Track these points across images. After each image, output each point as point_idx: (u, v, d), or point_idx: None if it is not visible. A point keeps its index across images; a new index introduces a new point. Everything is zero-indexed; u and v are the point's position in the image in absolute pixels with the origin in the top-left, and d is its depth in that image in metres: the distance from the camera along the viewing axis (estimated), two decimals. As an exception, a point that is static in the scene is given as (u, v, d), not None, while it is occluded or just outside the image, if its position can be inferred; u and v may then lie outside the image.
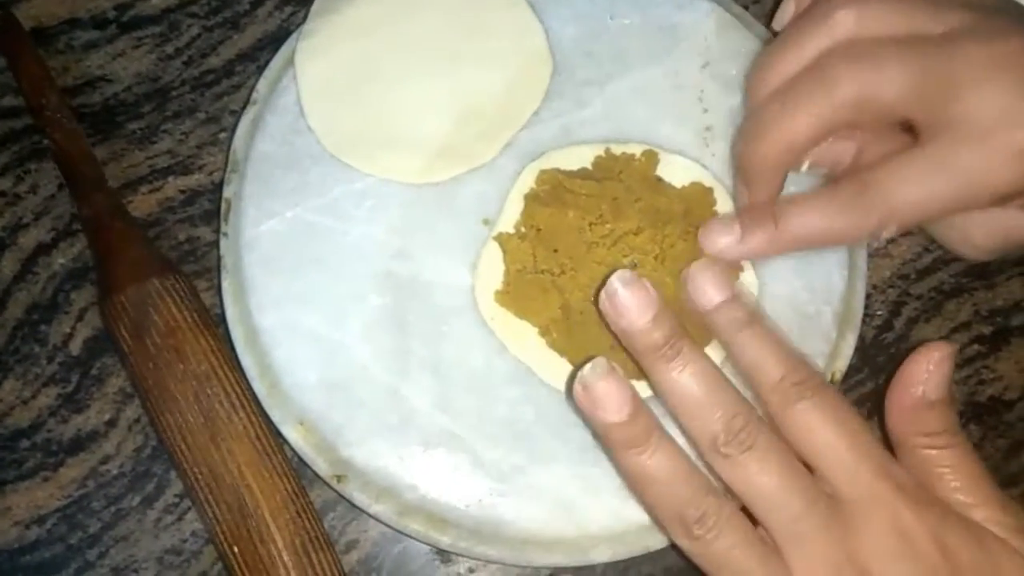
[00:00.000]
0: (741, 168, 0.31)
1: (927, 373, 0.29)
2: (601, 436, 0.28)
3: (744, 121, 0.31)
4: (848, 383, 0.37)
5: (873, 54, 0.28)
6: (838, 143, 0.31)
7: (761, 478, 0.26)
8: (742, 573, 0.26)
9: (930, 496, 0.27)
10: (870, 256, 0.37)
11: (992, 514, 0.27)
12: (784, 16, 0.32)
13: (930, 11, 0.29)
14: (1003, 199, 0.29)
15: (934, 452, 0.28)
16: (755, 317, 0.28)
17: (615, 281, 0.27)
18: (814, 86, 0.29)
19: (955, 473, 0.27)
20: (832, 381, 0.34)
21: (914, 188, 0.28)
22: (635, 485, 0.28)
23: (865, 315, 0.35)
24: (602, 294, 0.28)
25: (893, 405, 0.29)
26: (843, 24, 0.29)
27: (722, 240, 0.30)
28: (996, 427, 0.38)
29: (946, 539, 0.26)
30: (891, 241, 0.39)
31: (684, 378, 0.27)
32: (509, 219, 0.32)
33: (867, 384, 0.37)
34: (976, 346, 0.38)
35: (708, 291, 0.28)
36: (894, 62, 0.28)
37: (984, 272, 0.39)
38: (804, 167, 0.31)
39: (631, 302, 0.27)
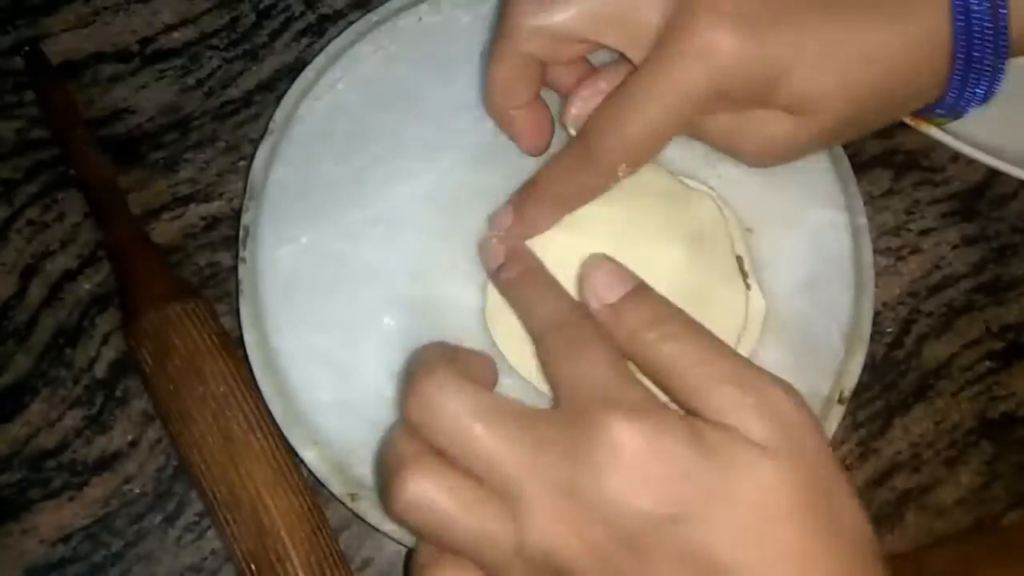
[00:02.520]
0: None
1: (588, 288, 0.28)
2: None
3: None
4: (859, 400, 0.37)
5: None
6: (588, 101, 0.31)
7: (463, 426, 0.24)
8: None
9: (659, 409, 0.24)
10: (879, 274, 0.38)
11: (721, 402, 0.24)
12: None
13: None
14: (702, 106, 0.28)
15: (643, 349, 0.26)
16: (536, 271, 0.30)
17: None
18: (497, 35, 0.30)
19: (681, 364, 0.25)
20: (840, 399, 0.34)
21: (625, 127, 0.29)
22: None
23: (875, 332, 0.36)
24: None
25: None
26: None
27: (503, 221, 0.32)
28: (1009, 444, 0.38)
29: (668, 450, 0.23)
30: (900, 259, 0.39)
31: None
32: None
33: (877, 402, 0.37)
34: (988, 362, 0.38)
35: (495, 250, 0.31)
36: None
37: (995, 288, 0.39)
38: (571, 129, 0.32)
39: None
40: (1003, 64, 0.29)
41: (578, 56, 0.31)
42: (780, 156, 0.31)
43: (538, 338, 0.28)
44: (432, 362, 0.25)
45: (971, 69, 0.28)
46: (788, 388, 0.25)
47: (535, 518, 0.23)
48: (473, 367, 0.27)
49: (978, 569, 0.36)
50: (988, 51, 0.28)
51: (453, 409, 0.24)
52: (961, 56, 0.28)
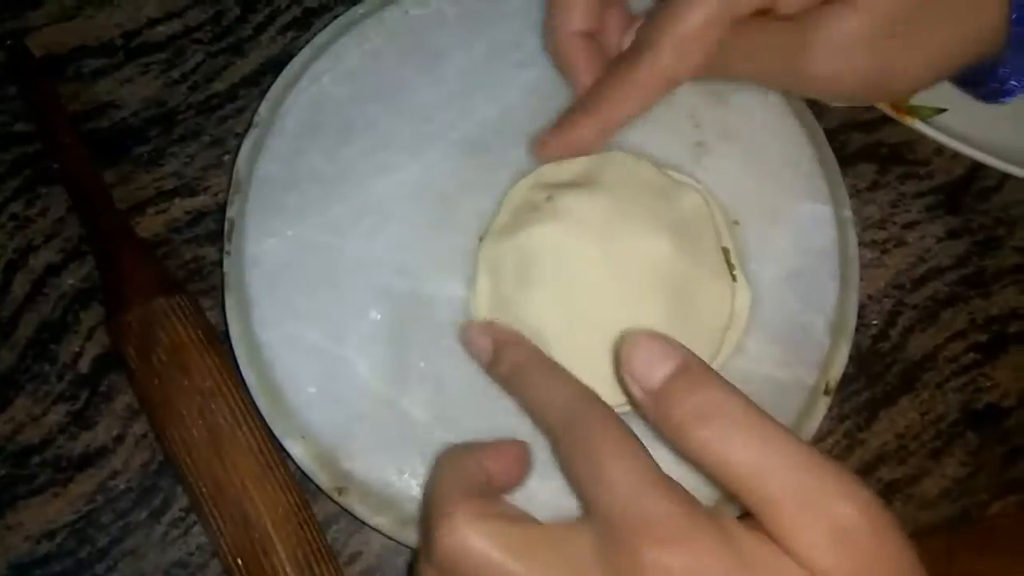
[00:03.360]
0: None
1: (628, 375, 0.24)
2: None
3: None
4: (844, 392, 0.37)
5: None
6: None
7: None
8: None
9: (694, 528, 0.21)
10: (865, 267, 0.38)
11: (783, 519, 0.21)
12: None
13: None
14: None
15: (690, 446, 0.22)
16: (531, 358, 0.28)
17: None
18: None
19: (728, 465, 0.22)
20: (826, 391, 0.34)
21: (684, 22, 0.29)
22: None
23: (861, 325, 0.36)
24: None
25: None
26: None
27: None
28: (993, 435, 0.38)
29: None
30: (885, 251, 0.40)
31: None
32: (498, 231, 0.33)
33: (863, 393, 0.38)
34: (972, 354, 0.39)
35: (479, 343, 0.30)
36: None
37: (979, 280, 0.40)
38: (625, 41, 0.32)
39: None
40: None
41: None
42: (839, 76, 0.29)
43: (552, 438, 0.25)
44: (448, 504, 0.23)
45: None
46: (864, 502, 0.21)
47: None
48: (499, 474, 0.26)
49: (961, 559, 0.36)
50: None
51: (480, 556, 0.22)
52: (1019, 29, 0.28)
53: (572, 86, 0.34)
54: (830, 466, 0.21)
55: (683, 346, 0.24)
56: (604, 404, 0.25)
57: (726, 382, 0.23)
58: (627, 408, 0.31)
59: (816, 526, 0.20)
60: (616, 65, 0.32)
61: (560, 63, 0.34)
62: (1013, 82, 0.31)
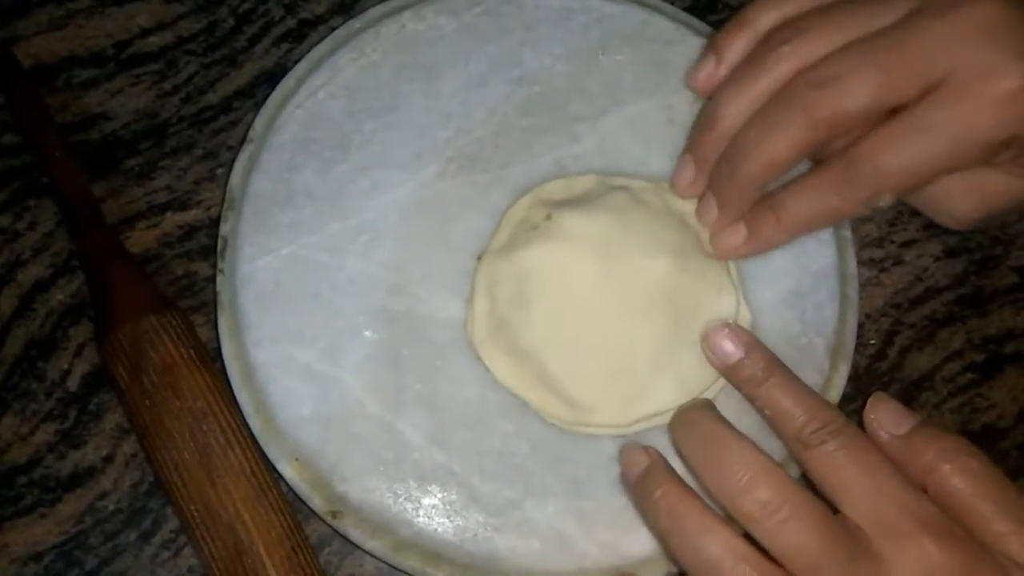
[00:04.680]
0: (723, 189, 0.32)
1: (876, 421, 0.29)
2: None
3: (698, 147, 0.32)
4: (843, 412, 0.37)
5: (831, 74, 0.29)
6: None
7: (794, 530, 0.26)
8: None
9: (959, 532, 0.26)
10: (862, 286, 0.37)
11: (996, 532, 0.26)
12: (700, 74, 0.33)
13: (870, 9, 0.30)
14: (989, 150, 0.29)
15: (940, 479, 0.27)
16: (773, 367, 0.29)
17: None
18: (787, 112, 0.29)
19: (978, 499, 0.26)
20: (825, 412, 0.34)
21: (901, 153, 0.29)
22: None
23: (858, 344, 0.36)
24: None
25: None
26: (787, 61, 0.30)
27: (732, 241, 0.32)
28: (990, 456, 0.37)
29: (971, 571, 0.25)
30: (883, 270, 0.39)
31: None
32: (496, 250, 0.33)
33: (860, 413, 0.37)
34: (969, 374, 0.39)
35: (726, 348, 0.30)
36: (852, 75, 0.28)
37: (977, 300, 0.40)
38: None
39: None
40: None
41: None
42: (991, 214, 0.32)
43: (805, 443, 0.27)
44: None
45: None
46: None
47: None
48: None
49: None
50: None
51: (792, 521, 0.26)
52: None
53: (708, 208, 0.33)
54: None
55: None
56: (848, 422, 0.28)
57: (962, 438, 0.29)
58: (639, 428, 0.31)
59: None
60: (820, 178, 0.31)
61: (725, 199, 0.32)
62: None
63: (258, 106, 0.36)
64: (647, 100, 0.36)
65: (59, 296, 0.35)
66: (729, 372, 0.30)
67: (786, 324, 0.34)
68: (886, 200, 0.30)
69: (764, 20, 0.31)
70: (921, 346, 0.39)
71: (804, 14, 0.31)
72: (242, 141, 0.35)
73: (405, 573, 0.31)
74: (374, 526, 0.30)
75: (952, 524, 0.26)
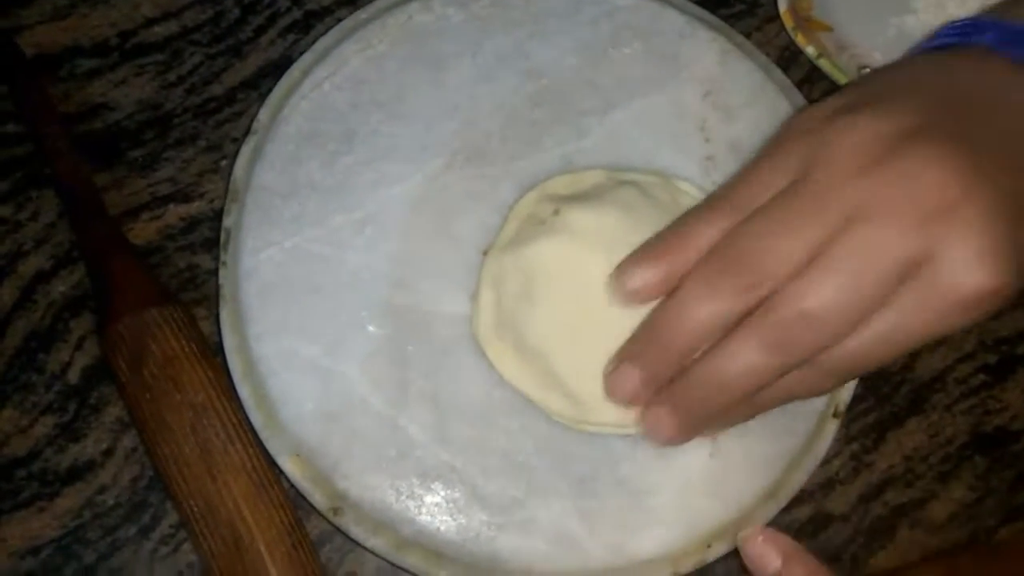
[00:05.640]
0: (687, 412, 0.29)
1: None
2: None
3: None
4: (852, 413, 0.36)
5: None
6: None
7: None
8: None
9: None
10: (874, 285, 0.37)
11: None
12: (637, 281, 0.29)
13: (806, 214, 0.27)
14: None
15: None
16: (816, 572, 0.29)
17: None
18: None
19: None
20: (835, 414, 0.33)
21: (870, 357, 0.27)
22: None
23: (869, 345, 0.35)
24: None
25: None
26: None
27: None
28: (1002, 458, 0.37)
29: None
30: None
31: None
32: (503, 245, 0.32)
33: (871, 415, 0.37)
34: (982, 376, 0.38)
35: (768, 555, 0.30)
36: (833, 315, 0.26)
37: (989, 301, 0.39)
38: None
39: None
40: None
41: None
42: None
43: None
44: None
45: None
46: None
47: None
48: None
49: (968, 585, 0.35)
50: None
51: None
52: None
53: None
54: None
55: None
56: None
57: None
58: (633, 430, 0.30)
59: None
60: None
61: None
62: None
63: (263, 97, 0.35)
64: (657, 94, 0.35)
65: (60, 288, 0.35)
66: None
67: (796, 323, 0.33)
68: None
69: (704, 240, 0.28)
70: (933, 347, 0.38)
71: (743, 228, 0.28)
72: (246, 133, 0.35)
73: (406, 571, 0.31)
74: (375, 524, 0.30)
75: None
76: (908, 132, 0.26)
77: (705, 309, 0.27)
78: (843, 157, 0.26)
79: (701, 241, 0.28)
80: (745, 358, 0.27)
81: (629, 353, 0.29)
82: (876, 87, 0.29)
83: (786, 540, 0.30)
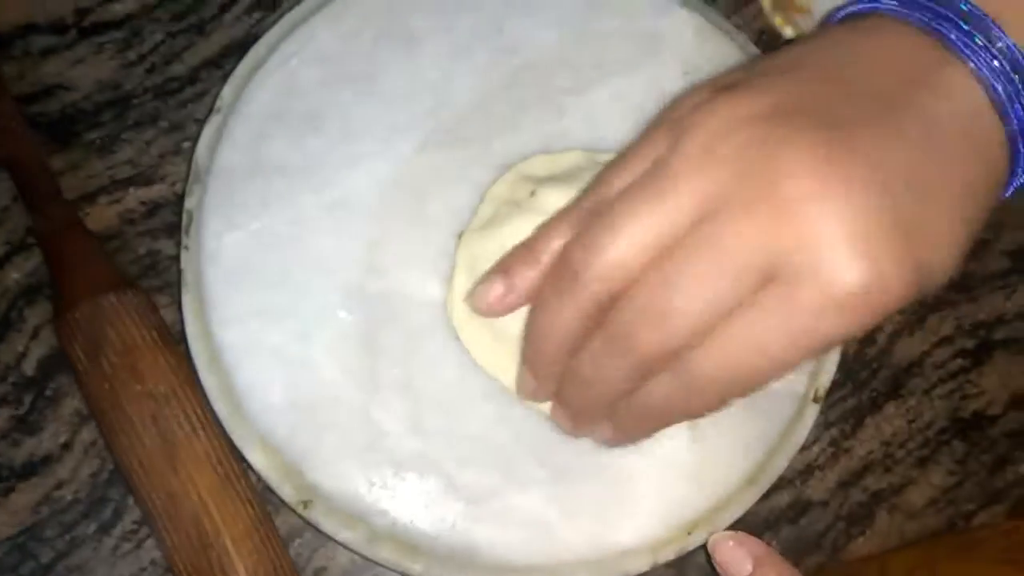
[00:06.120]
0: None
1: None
2: None
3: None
4: (831, 399, 0.36)
5: (658, 307, 0.25)
6: None
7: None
8: None
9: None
10: (852, 269, 0.37)
11: None
12: (489, 296, 0.29)
13: (652, 200, 0.25)
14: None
15: None
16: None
17: None
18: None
19: None
20: (815, 398, 0.33)
21: (739, 368, 0.24)
22: None
23: (848, 330, 0.35)
24: None
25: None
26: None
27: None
28: (980, 443, 0.37)
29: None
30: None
31: None
32: (478, 227, 0.31)
33: (849, 400, 0.37)
34: (959, 360, 0.38)
35: (739, 560, 0.30)
36: (681, 309, 0.25)
37: (966, 285, 0.39)
38: None
39: None
40: None
41: None
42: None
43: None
44: None
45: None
46: None
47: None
48: None
49: (942, 568, 0.35)
50: None
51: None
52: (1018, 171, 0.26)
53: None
54: None
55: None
56: None
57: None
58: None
59: None
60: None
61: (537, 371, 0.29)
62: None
63: (227, 77, 0.34)
64: (635, 74, 0.34)
65: (14, 275, 0.34)
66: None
67: (777, 307, 0.33)
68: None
69: (555, 244, 0.27)
70: (911, 332, 0.38)
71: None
72: (210, 112, 0.33)
73: (380, 566, 0.30)
74: (347, 517, 0.29)
75: None
76: (767, 114, 0.23)
77: (555, 318, 0.26)
78: (697, 144, 0.24)
79: (553, 245, 0.27)
80: (595, 359, 0.25)
81: (524, 359, 0.29)
82: (760, 66, 0.26)
83: (757, 543, 0.30)
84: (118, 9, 0.37)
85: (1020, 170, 0.26)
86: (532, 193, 0.31)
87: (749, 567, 0.29)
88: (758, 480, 0.32)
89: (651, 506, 0.30)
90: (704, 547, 0.31)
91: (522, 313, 0.30)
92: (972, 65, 0.24)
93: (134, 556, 0.31)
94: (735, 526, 0.31)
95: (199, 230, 0.31)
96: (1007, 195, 0.27)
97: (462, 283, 0.31)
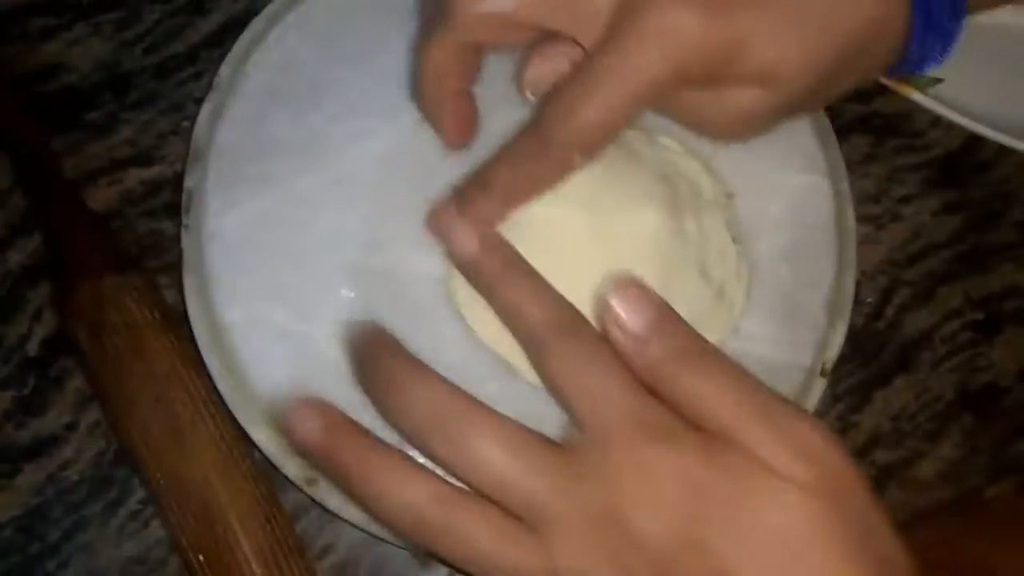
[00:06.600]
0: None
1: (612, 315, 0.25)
2: None
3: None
4: (838, 373, 0.36)
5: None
6: (547, 62, 0.29)
7: (484, 457, 0.23)
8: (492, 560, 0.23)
9: (683, 430, 0.23)
10: (859, 242, 0.36)
11: (750, 439, 0.23)
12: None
13: None
14: (671, 88, 0.27)
15: (668, 383, 0.24)
16: (517, 262, 0.27)
17: None
18: (437, 22, 0.27)
19: (707, 407, 0.24)
20: (823, 372, 0.32)
21: (584, 112, 0.26)
22: None
23: (855, 302, 0.34)
24: None
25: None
26: None
27: (444, 222, 0.29)
28: (989, 415, 0.37)
29: (696, 474, 0.23)
30: (880, 227, 0.38)
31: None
32: None
33: (857, 374, 0.36)
34: (969, 333, 0.38)
35: (464, 237, 0.28)
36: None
37: (975, 257, 0.39)
38: (528, 95, 0.30)
39: None
40: (960, 24, 0.29)
41: (525, 41, 0.29)
42: (746, 130, 0.30)
43: (538, 343, 0.26)
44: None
45: (930, 30, 0.28)
46: (821, 426, 0.24)
47: (568, 544, 0.23)
48: None
49: (960, 545, 0.35)
50: (947, 11, 0.28)
51: (479, 442, 0.24)
52: (921, 17, 0.28)
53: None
54: (798, 409, 0.24)
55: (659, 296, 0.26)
56: (586, 320, 0.26)
57: (701, 336, 0.25)
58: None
59: (782, 442, 0.23)
60: (514, 148, 0.29)
61: (429, 119, 0.31)
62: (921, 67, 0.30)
63: (226, 56, 0.34)
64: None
65: (16, 257, 0.34)
66: (466, 267, 0.28)
67: (783, 280, 0.32)
68: (586, 158, 0.28)
69: None
70: (920, 304, 0.38)
71: None
72: (208, 90, 0.33)
73: (386, 542, 0.30)
74: (352, 493, 0.29)
75: (677, 423, 0.23)
76: None
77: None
78: None
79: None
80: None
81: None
82: None
83: (493, 235, 0.28)
84: (115, -11, 0.37)
85: (915, 47, 0.28)
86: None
87: (475, 247, 0.28)
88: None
89: (657, 481, 0.30)
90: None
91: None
92: None
93: (140, 535, 0.31)
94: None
95: (199, 209, 0.31)
96: (897, 70, 0.30)
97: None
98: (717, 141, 0.32)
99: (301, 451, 0.26)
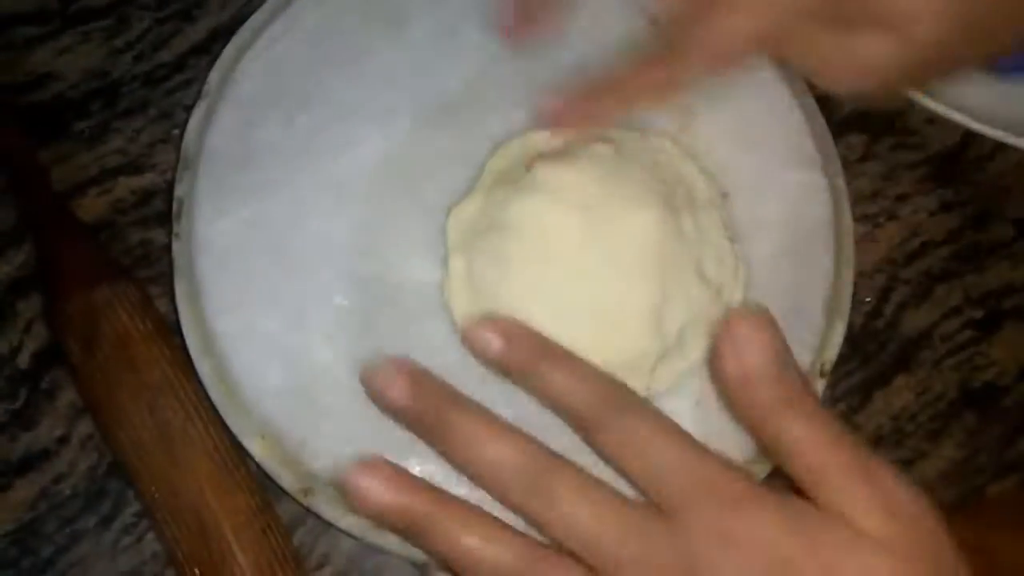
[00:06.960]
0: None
1: (735, 347, 0.24)
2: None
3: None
4: (837, 373, 0.36)
5: None
6: None
7: (572, 515, 0.23)
8: None
9: (755, 491, 0.23)
10: (856, 241, 0.36)
11: (837, 490, 0.23)
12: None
13: None
14: (806, 15, 0.27)
15: (769, 430, 0.24)
16: (546, 346, 0.26)
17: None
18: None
19: (800, 449, 0.23)
20: (822, 373, 0.32)
21: (723, 25, 0.28)
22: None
23: (853, 302, 0.34)
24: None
25: (716, 379, 0.27)
26: None
27: (557, 114, 0.31)
28: (991, 414, 0.37)
29: (783, 548, 0.22)
30: (877, 226, 0.38)
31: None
32: (472, 203, 0.31)
33: (856, 374, 0.36)
34: (968, 331, 0.37)
35: (486, 337, 0.26)
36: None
37: (973, 255, 0.38)
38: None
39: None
40: None
41: None
42: (873, 82, 0.29)
43: (594, 423, 0.25)
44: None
45: None
46: (911, 485, 0.23)
47: None
48: None
49: (963, 543, 0.35)
50: None
51: (568, 497, 0.24)
52: None
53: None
54: (890, 465, 0.24)
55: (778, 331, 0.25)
56: (633, 391, 0.26)
57: (804, 378, 0.25)
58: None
59: (869, 496, 0.22)
60: (646, 55, 0.30)
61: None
62: None
63: (214, 62, 0.34)
64: (632, 48, 0.34)
65: (6, 269, 0.33)
66: (497, 365, 0.27)
67: (781, 279, 0.32)
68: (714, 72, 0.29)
69: None
70: (918, 303, 0.37)
71: None
72: (198, 97, 0.33)
73: (384, 552, 0.30)
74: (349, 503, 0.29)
75: (749, 483, 0.23)
76: None
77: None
78: None
79: None
80: None
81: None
82: None
83: (507, 321, 0.26)
84: (104, -3, 0.37)
85: None
86: (529, 170, 0.30)
87: (500, 342, 0.26)
88: (764, 457, 0.31)
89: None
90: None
91: (519, 291, 0.29)
92: None
93: (135, 549, 0.31)
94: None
95: (190, 217, 0.31)
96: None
97: (458, 267, 0.30)
98: (838, 92, 0.31)
99: (370, 514, 0.25)
